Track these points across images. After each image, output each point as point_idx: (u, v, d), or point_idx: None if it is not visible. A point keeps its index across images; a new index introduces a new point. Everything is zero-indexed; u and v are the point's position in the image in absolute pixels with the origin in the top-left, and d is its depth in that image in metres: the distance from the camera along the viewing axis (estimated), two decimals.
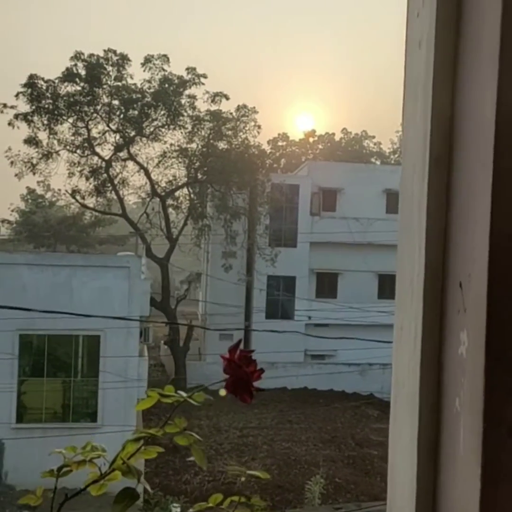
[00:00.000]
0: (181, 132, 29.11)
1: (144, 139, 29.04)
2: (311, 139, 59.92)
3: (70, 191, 30.18)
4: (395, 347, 1.16)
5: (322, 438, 22.19)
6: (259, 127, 29.73)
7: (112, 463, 1.03)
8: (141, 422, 17.75)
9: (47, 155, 28.65)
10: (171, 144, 29.22)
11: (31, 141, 28.29)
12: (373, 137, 59.52)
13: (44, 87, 27.83)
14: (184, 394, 1.13)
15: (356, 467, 19.92)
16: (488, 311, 0.87)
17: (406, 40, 1.12)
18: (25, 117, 27.80)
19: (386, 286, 31.61)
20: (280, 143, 58.12)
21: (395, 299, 1.16)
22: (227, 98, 29.07)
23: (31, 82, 27.60)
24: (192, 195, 30.10)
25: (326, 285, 32.41)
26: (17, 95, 27.54)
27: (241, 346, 1.09)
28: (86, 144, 28.87)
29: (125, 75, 28.42)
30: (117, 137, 29.10)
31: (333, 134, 59.63)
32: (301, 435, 22.24)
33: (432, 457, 1.02)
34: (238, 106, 29.43)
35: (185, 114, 28.82)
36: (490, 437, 0.88)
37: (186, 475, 18.54)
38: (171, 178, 29.56)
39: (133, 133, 28.95)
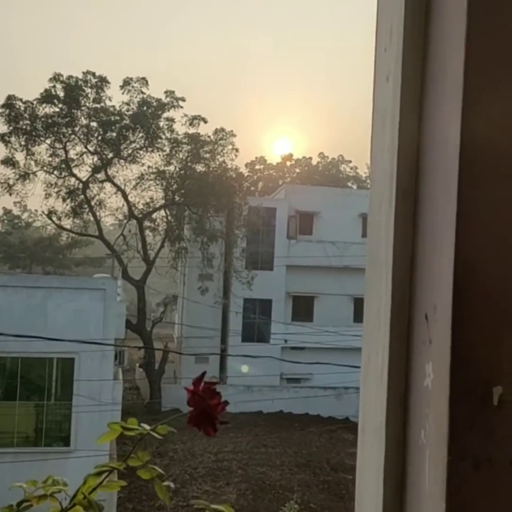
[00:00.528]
0: (159, 155, 29.19)
1: (121, 161, 29.04)
2: (288, 163, 60.35)
3: (46, 212, 30.02)
4: (362, 378, 1.16)
5: (297, 462, 22.05)
6: (237, 150, 29.93)
7: (73, 498, 1.00)
8: (114, 447, 17.51)
9: (24, 176, 28.52)
10: (148, 166, 29.28)
11: (8, 161, 28.16)
12: (350, 161, 60.15)
13: (22, 108, 27.78)
14: (147, 426, 1.11)
15: (331, 492, 19.80)
16: (452, 343, 0.87)
17: (375, 74, 1.14)
18: (2, 138, 27.70)
19: (362, 310, 31.25)
20: (257, 167, 58.44)
21: (363, 330, 1.16)
22: (205, 121, 29.25)
23: (9, 103, 27.54)
24: (169, 217, 30.08)
25: (302, 308, 32.44)
26: None
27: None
28: (63, 166, 28.79)
29: (103, 97, 28.48)
30: (95, 158, 29.07)
31: (310, 158, 60.13)
32: (276, 460, 22.09)
33: (398, 489, 1.02)
34: (216, 129, 29.61)
35: (163, 136, 28.91)
36: (454, 470, 0.88)
37: (159, 501, 18.30)
38: (148, 200, 29.58)
39: (111, 155, 28.94)
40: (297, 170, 59.89)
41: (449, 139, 0.89)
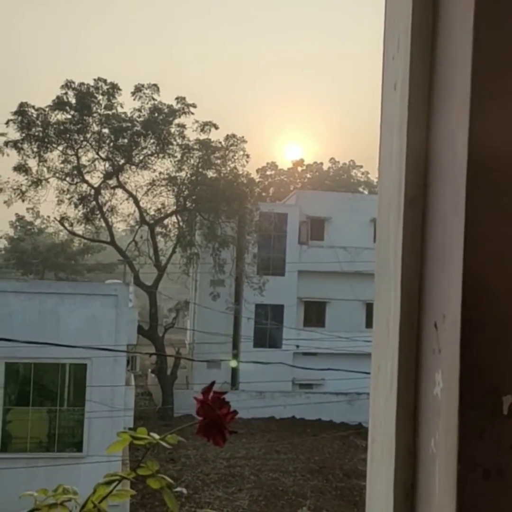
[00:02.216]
0: (170, 161, 29.27)
1: (133, 167, 29.16)
2: (299, 169, 60.34)
3: (59, 218, 30.18)
4: (372, 387, 1.16)
5: (310, 468, 21.98)
6: (247, 156, 29.96)
7: (82, 507, 1.01)
8: (127, 453, 17.54)
9: (37, 182, 28.70)
10: (160, 173, 29.37)
11: (20, 168, 28.35)
12: (361, 166, 60.01)
13: (35, 115, 27.98)
14: (156, 436, 1.12)
15: (344, 499, 19.72)
16: (462, 351, 0.87)
17: (382, 82, 1.14)
18: (15, 145, 27.88)
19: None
20: (268, 172, 58.47)
21: (372, 339, 1.16)
22: (216, 128, 29.31)
23: (22, 110, 27.74)
24: (180, 223, 30.15)
25: (314, 313, 32.38)
26: (7, 123, 27.67)
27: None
28: (75, 172, 28.95)
29: (115, 104, 28.62)
30: (107, 165, 29.21)
31: (321, 163, 60.10)
32: (288, 466, 22.03)
33: (408, 499, 1.01)
34: (227, 135, 29.66)
35: (174, 143, 29.00)
36: (464, 480, 0.87)
37: None
38: (160, 206, 29.66)
39: (122, 161, 29.06)
40: (308, 175, 59.87)
41: (457, 148, 0.89)
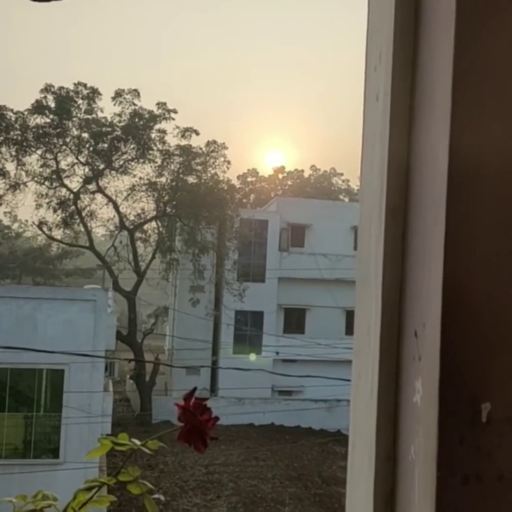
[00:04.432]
0: (151, 166, 29.19)
1: (113, 172, 29.04)
2: (280, 175, 60.44)
3: (37, 223, 29.93)
4: (353, 394, 1.16)
5: (288, 475, 21.96)
6: (228, 162, 29.97)
7: None
8: (104, 459, 17.40)
9: (15, 186, 28.46)
10: (140, 178, 29.27)
11: None
12: (342, 174, 60.25)
13: (13, 119, 27.75)
14: (137, 442, 1.11)
15: (322, 506, 19.71)
16: (441, 359, 0.88)
17: (365, 92, 1.15)
18: None
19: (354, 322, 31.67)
20: (249, 179, 58.48)
21: (353, 346, 1.17)
22: (197, 133, 29.29)
23: (0, 114, 27.49)
24: (160, 229, 30.06)
25: (294, 320, 32.40)
26: None
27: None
28: (54, 176, 28.74)
29: (95, 109, 28.51)
30: (86, 169, 29.05)
31: (302, 170, 60.27)
32: (267, 473, 21.99)
33: (388, 505, 1.02)
34: (208, 141, 29.66)
35: (155, 148, 28.93)
36: (444, 486, 0.88)
37: None
38: (139, 211, 29.55)
39: (102, 166, 28.93)
40: (289, 182, 60.01)
41: (438, 159, 0.90)
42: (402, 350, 1.01)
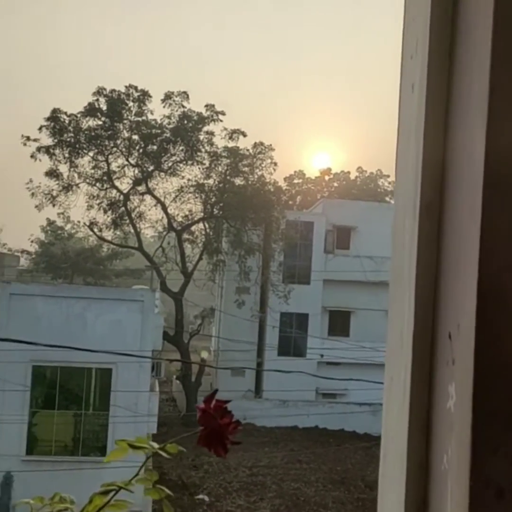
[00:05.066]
0: (199, 168, 29.39)
1: (162, 173, 29.33)
2: (326, 177, 60.19)
3: (88, 224, 30.44)
4: (385, 398, 1.12)
5: (332, 479, 21.81)
6: (275, 164, 29.96)
7: None
8: (150, 458, 17.53)
9: (67, 188, 28.99)
10: (188, 179, 29.51)
11: (52, 173, 28.67)
12: (388, 176, 59.59)
13: (67, 121, 28.30)
14: (155, 445, 1.09)
15: (365, 510, 19.52)
16: (476, 363, 0.84)
17: (400, 83, 1.10)
18: (47, 150, 28.22)
19: None
20: (296, 181, 58.42)
21: (385, 349, 1.13)
22: (245, 135, 29.37)
23: (54, 116, 28.08)
24: (207, 230, 30.24)
25: (339, 323, 32.20)
26: (40, 129, 28.02)
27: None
28: (105, 178, 29.19)
29: (145, 111, 28.85)
30: (136, 171, 29.42)
31: (349, 172, 59.88)
32: (310, 476, 21.89)
33: None
34: (255, 143, 29.69)
35: (203, 150, 29.11)
36: (477, 498, 0.84)
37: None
38: (187, 212, 29.79)
39: (151, 168, 29.25)
40: (335, 184, 59.70)
41: (475, 153, 0.86)
42: (436, 353, 0.96)
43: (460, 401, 0.88)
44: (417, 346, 0.98)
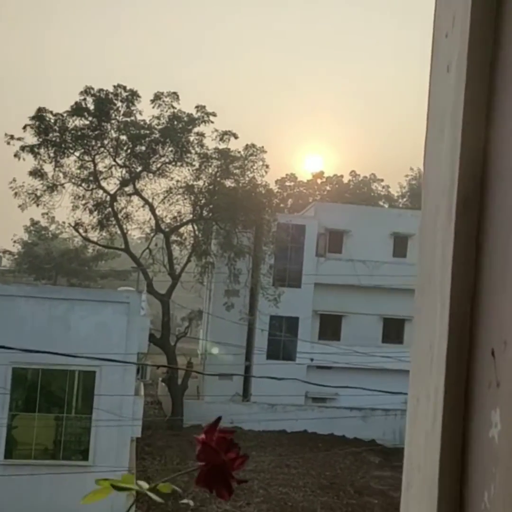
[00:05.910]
0: (188, 169, 29.19)
1: (150, 174, 29.13)
2: (319, 181, 60.12)
3: (73, 224, 30.14)
4: (409, 421, 0.99)
5: (320, 484, 21.68)
6: (267, 166, 29.81)
7: None
8: (134, 462, 17.38)
9: (52, 188, 28.68)
10: (177, 181, 29.30)
11: (36, 173, 28.35)
12: (382, 180, 59.64)
13: (52, 121, 28.00)
14: (145, 484, 0.91)
15: None
16: None
17: (431, 65, 0.97)
18: (32, 149, 27.89)
19: (391, 330, 31.34)
20: (287, 183, 58.34)
21: (410, 364, 1.00)
22: (236, 137, 29.22)
23: (40, 115, 27.79)
24: (196, 232, 30.06)
25: (330, 327, 32.09)
26: (24, 128, 27.69)
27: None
28: (91, 178, 28.93)
29: (134, 111, 28.61)
30: (123, 172, 29.18)
31: (342, 176, 59.83)
32: (298, 480, 21.75)
33: None
34: (247, 145, 29.55)
35: (193, 151, 28.92)
36: None
37: None
38: (176, 214, 29.56)
39: (139, 169, 29.04)
40: (328, 187, 59.63)
41: None
42: (475, 373, 0.83)
43: (506, 430, 0.75)
44: (451, 364, 0.85)
